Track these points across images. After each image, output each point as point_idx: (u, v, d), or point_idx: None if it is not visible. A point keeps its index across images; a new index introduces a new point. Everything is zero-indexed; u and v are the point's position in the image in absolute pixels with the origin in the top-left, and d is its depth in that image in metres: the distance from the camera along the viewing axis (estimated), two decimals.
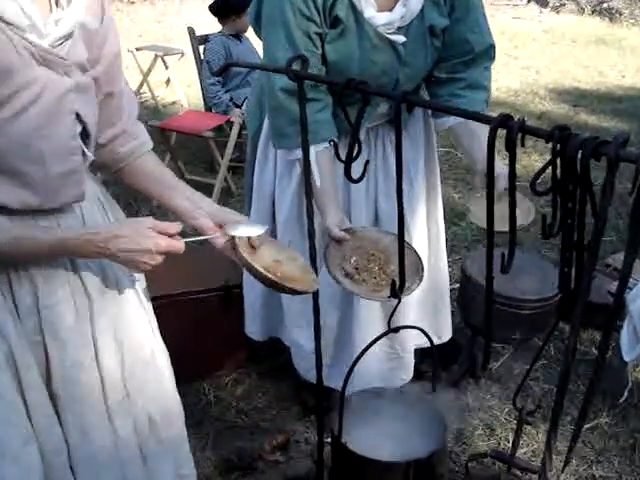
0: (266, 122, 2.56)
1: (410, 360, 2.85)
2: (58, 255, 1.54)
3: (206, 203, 1.77)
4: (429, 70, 2.46)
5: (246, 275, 2.90)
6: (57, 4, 1.44)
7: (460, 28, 2.37)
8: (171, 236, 1.58)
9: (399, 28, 2.29)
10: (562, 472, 2.04)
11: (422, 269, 2.23)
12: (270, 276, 1.60)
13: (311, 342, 2.73)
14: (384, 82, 2.35)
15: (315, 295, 1.95)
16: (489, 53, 2.48)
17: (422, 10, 2.29)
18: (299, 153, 2.32)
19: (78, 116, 1.51)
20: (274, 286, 1.64)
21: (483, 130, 2.02)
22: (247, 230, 1.70)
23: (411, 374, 2.86)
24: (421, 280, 2.20)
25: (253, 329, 2.96)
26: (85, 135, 1.57)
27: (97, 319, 1.66)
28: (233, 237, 1.66)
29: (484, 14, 2.43)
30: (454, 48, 2.41)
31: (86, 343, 1.65)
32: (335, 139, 2.25)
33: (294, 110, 2.18)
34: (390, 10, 2.27)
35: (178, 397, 1.99)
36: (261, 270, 1.60)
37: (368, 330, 2.62)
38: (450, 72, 2.46)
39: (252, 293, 2.88)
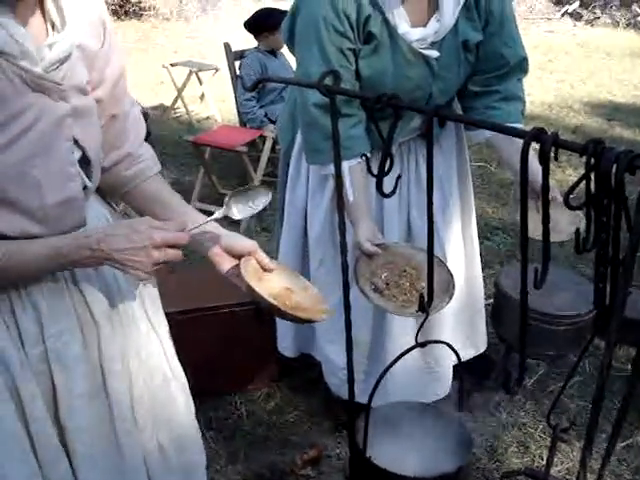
0: (299, 137, 2.57)
1: (445, 375, 2.83)
2: (55, 266, 1.47)
3: (213, 227, 1.72)
4: (462, 84, 2.46)
5: None
6: (53, 28, 1.41)
7: (494, 42, 2.37)
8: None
9: (433, 43, 2.29)
10: None
11: (453, 287, 2.21)
12: (273, 302, 1.55)
13: (342, 357, 2.73)
14: (417, 96, 2.35)
15: (347, 309, 1.95)
16: (522, 66, 2.48)
17: (456, 25, 2.29)
18: (332, 168, 2.33)
19: (76, 142, 1.48)
20: (279, 313, 1.58)
21: (515, 142, 2.16)
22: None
23: (447, 389, 2.83)
24: (451, 298, 2.18)
25: (285, 345, 2.97)
26: (85, 161, 1.52)
27: (105, 346, 1.61)
28: (238, 262, 1.63)
29: (516, 27, 2.43)
30: (488, 62, 2.41)
31: (94, 371, 1.60)
32: (368, 154, 2.27)
33: (327, 125, 2.19)
34: (424, 25, 2.27)
35: (195, 423, 1.96)
36: (264, 296, 1.55)
37: (401, 345, 2.60)
38: (484, 85, 2.46)
39: None
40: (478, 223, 4.92)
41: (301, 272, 2.75)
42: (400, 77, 2.29)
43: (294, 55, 2.41)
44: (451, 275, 2.24)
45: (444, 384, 2.83)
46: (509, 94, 2.47)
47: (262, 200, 1.73)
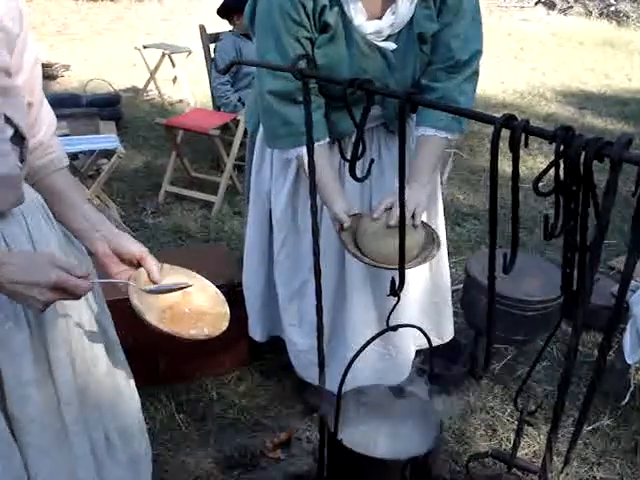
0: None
1: (405, 362, 2.83)
2: None
3: (106, 227, 1.64)
4: (419, 76, 2.42)
5: (245, 277, 2.91)
6: None
7: (445, 33, 2.33)
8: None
9: (389, 35, 2.30)
10: (561, 472, 2.04)
11: (437, 236, 2.35)
12: (163, 328, 1.51)
13: (303, 340, 2.76)
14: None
15: (318, 294, 1.95)
16: (471, 64, 2.40)
17: (412, 17, 2.28)
18: (292, 153, 2.38)
19: (8, 119, 1.43)
20: (172, 337, 1.53)
21: (432, 150, 2.43)
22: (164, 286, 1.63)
23: (405, 375, 2.81)
24: (439, 247, 2.31)
25: (255, 330, 2.97)
26: (19, 139, 1.48)
27: (49, 333, 1.57)
28: (126, 267, 1.60)
29: (478, 25, 2.37)
30: (436, 54, 2.36)
31: (40, 358, 1.56)
32: (327, 139, 2.33)
33: (284, 112, 2.28)
34: (379, 18, 2.27)
35: (140, 414, 1.94)
36: (154, 323, 1.50)
37: (362, 331, 2.63)
38: (431, 80, 2.42)
39: (252, 295, 2.90)
40: (449, 210, 4.99)
41: (268, 255, 2.76)
42: (356, 68, 2.29)
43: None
44: (431, 227, 2.40)
45: (402, 371, 2.83)
46: (448, 96, 2.39)
47: (181, 282, 1.67)
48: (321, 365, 2.07)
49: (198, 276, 1.68)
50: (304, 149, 2.26)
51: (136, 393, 1.93)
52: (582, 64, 10.61)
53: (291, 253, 2.67)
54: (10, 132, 1.45)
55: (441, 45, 2.34)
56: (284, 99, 2.28)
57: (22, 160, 1.51)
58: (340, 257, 2.64)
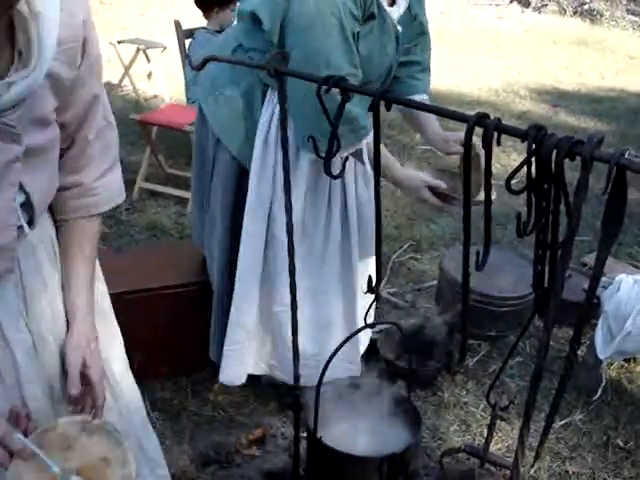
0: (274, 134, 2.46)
1: (355, 358, 2.83)
2: None
3: (82, 331, 1.56)
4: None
5: (235, 309, 2.81)
6: (20, 57, 1.24)
7: (422, 11, 2.56)
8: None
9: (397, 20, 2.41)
10: (532, 466, 2.06)
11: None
12: None
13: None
14: (386, 67, 2.47)
15: (293, 291, 1.96)
16: (429, 35, 2.67)
17: (409, 4, 2.44)
18: (357, 145, 2.37)
19: (21, 186, 1.35)
20: None
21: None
22: None
23: (358, 372, 2.82)
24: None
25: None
26: (28, 205, 1.40)
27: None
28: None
29: None
30: (413, 31, 2.55)
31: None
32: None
33: (350, 110, 2.22)
34: (393, 4, 2.40)
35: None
36: None
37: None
38: (407, 54, 2.60)
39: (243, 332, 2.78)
40: (423, 206, 4.99)
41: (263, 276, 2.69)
42: (382, 54, 2.38)
43: (282, 42, 2.29)
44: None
45: (355, 366, 2.84)
46: (426, 65, 2.69)
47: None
48: (295, 362, 2.08)
49: (125, 447, 1.45)
50: (364, 141, 2.34)
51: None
52: (556, 62, 10.69)
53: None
54: (22, 199, 1.38)
55: (417, 23, 2.55)
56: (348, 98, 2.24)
57: (30, 224, 1.43)
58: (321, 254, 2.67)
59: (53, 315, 1.54)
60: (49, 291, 1.54)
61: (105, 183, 1.60)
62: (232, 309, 2.66)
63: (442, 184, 2.50)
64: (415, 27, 2.55)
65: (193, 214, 3.02)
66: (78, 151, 1.53)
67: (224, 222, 2.65)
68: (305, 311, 2.60)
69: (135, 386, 1.91)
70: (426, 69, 2.70)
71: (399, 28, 2.41)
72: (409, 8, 2.46)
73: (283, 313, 2.60)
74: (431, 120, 2.73)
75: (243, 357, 2.75)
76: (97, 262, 1.72)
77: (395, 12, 2.38)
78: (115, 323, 1.86)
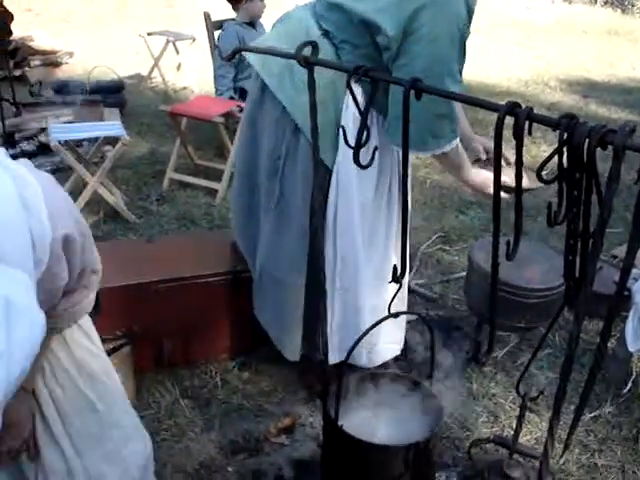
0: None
1: (380, 355, 2.89)
2: None
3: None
4: None
5: None
6: None
7: None
8: None
9: None
10: (562, 457, 2.06)
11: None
12: None
13: None
14: None
15: (323, 277, 1.98)
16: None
17: None
18: (454, 143, 2.48)
19: None
20: None
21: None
22: None
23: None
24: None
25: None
26: None
27: None
28: None
29: None
30: None
31: None
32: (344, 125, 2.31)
33: (451, 109, 2.42)
34: None
35: None
36: None
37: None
38: None
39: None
40: (453, 198, 5.01)
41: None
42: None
43: (399, 47, 2.33)
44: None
45: (399, 345, 2.93)
46: (453, 115, 2.66)
47: None
48: (325, 352, 2.10)
49: None
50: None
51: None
52: (586, 52, 10.59)
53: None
54: None
55: None
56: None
57: None
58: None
59: None
60: None
61: (71, 311, 1.60)
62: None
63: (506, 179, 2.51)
64: None
65: (235, 217, 3.04)
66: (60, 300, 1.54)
67: (303, 217, 2.64)
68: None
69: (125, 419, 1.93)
70: (454, 120, 2.71)
71: None
72: None
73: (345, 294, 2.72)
74: (460, 115, 2.78)
75: None
76: (89, 321, 1.77)
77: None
78: (112, 385, 1.86)
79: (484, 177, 2.67)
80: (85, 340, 1.74)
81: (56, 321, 1.57)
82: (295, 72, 2.47)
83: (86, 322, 1.75)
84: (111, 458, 1.81)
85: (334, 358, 2.74)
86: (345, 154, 2.49)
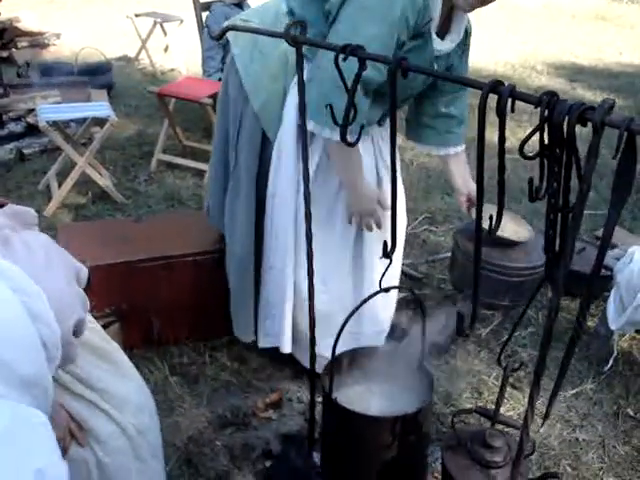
0: (292, 96, 2.52)
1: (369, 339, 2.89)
2: None
3: None
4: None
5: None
6: None
7: (462, 67, 2.69)
8: None
9: (436, 57, 2.47)
10: (542, 426, 2.12)
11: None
12: None
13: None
14: (408, 95, 2.59)
15: (310, 259, 2.02)
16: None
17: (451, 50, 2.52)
18: (332, 134, 2.34)
19: None
20: None
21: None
22: None
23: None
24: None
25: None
26: None
27: None
28: None
29: None
30: (455, 85, 2.58)
31: None
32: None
33: (357, 99, 2.21)
34: (442, 39, 2.46)
35: None
36: None
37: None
38: (447, 106, 2.78)
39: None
40: (439, 180, 5.04)
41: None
42: (412, 78, 2.36)
43: (328, 12, 2.35)
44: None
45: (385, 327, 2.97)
46: (463, 118, 2.85)
47: None
48: (312, 327, 2.13)
49: None
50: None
51: None
52: (574, 37, 10.62)
53: None
54: None
55: (456, 74, 2.61)
56: (365, 87, 2.26)
57: None
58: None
59: None
60: None
61: None
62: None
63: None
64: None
65: (210, 190, 3.05)
66: None
67: (250, 183, 2.70)
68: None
69: (148, 400, 1.98)
70: (462, 121, 2.85)
71: (435, 65, 2.47)
72: (448, 56, 2.54)
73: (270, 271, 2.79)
74: (462, 170, 2.92)
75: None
76: None
77: (439, 45, 2.44)
78: (115, 354, 1.93)
79: (372, 197, 2.59)
80: None
81: None
82: (258, 43, 2.55)
83: None
84: (144, 409, 1.91)
85: (264, 343, 2.89)
86: (287, 128, 2.55)
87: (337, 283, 2.71)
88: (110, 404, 1.78)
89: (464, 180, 2.90)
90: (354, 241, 2.74)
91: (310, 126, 2.33)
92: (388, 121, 2.57)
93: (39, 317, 1.21)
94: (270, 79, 2.55)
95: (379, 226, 2.62)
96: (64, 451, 1.66)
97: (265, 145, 2.64)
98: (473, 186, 2.85)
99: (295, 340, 2.84)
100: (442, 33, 2.46)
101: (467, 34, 2.60)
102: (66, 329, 1.37)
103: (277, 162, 2.61)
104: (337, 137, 2.28)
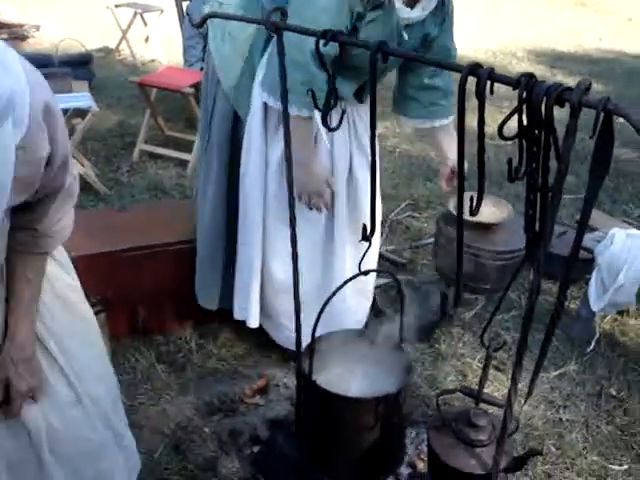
0: (259, 76, 2.57)
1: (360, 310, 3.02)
2: None
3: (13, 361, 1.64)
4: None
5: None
6: None
7: (445, 37, 2.64)
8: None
9: (406, 26, 2.44)
10: (524, 403, 2.15)
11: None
12: None
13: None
14: (381, 66, 2.46)
15: (294, 243, 2.03)
16: (456, 58, 2.74)
17: (425, 18, 2.48)
18: (304, 112, 2.40)
19: None
20: None
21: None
22: None
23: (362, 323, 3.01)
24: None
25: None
26: None
27: None
28: None
29: None
30: (439, 55, 2.59)
31: None
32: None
33: (312, 72, 2.27)
34: (411, 8, 2.42)
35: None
36: None
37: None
38: (431, 77, 2.73)
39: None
40: (420, 166, 5.07)
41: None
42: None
43: None
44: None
45: (359, 319, 3.00)
46: (448, 90, 2.78)
47: None
48: (297, 312, 2.15)
49: None
50: (309, 113, 2.38)
51: None
52: (554, 24, 10.66)
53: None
54: None
55: (443, 47, 2.63)
56: (321, 65, 2.26)
57: None
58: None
59: None
60: None
61: (61, 226, 1.65)
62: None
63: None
64: (440, 52, 2.61)
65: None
66: (43, 206, 1.57)
67: (221, 161, 2.79)
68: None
69: (107, 369, 1.97)
70: (448, 94, 2.78)
71: (404, 35, 2.45)
72: (423, 24, 2.50)
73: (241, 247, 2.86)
74: (448, 142, 2.84)
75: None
76: (64, 253, 1.81)
77: (404, 13, 2.40)
78: (88, 314, 1.91)
79: (322, 178, 2.60)
80: (64, 274, 1.79)
81: (50, 241, 1.64)
82: (227, 26, 2.62)
83: (62, 254, 1.80)
84: (102, 379, 1.90)
85: (238, 315, 2.94)
86: (255, 107, 2.60)
87: (308, 266, 2.71)
88: (73, 371, 1.76)
89: (451, 152, 2.84)
90: (325, 226, 2.79)
91: (270, 102, 2.47)
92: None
93: (11, 71, 1.25)
94: (239, 60, 2.60)
95: (327, 207, 2.65)
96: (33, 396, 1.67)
97: (238, 127, 2.71)
98: (455, 157, 2.82)
99: (265, 314, 2.92)
100: (412, 1, 2.43)
101: (444, 1, 2.55)
102: (37, 103, 1.35)
103: (248, 143, 2.67)
104: (295, 112, 2.37)
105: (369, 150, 2.33)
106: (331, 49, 2.19)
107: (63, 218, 1.64)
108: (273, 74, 2.35)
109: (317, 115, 2.36)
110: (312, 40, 2.12)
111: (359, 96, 2.65)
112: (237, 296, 2.92)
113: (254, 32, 2.49)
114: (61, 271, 1.77)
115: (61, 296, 1.76)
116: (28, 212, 1.55)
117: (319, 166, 2.60)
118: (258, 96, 2.57)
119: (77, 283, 1.85)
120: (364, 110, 2.70)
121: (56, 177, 1.51)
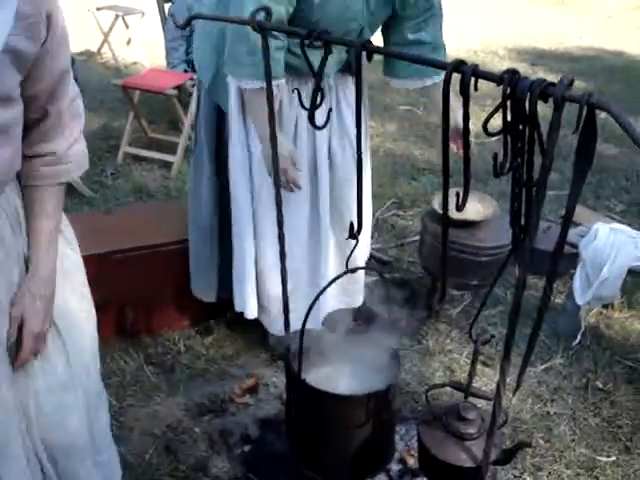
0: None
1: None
2: None
3: (31, 294, 1.62)
4: (384, 21, 2.60)
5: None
6: None
7: None
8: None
9: None
10: (513, 396, 2.17)
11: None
12: None
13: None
14: (351, 28, 2.45)
15: (281, 239, 2.03)
16: (441, 9, 2.65)
17: None
18: (249, 84, 2.39)
19: None
20: None
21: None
22: None
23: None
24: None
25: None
26: None
27: None
28: None
29: None
30: (418, 7, 2.54)
31: None
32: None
33: (254, 40, 2.20)
34: None
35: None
36: None
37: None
38: (415, 32, 2.60)
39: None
40: (405, 165, 5.09)
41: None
42: (343, 5, 2.36)
43: None
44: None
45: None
46: (437, 44, 2.66)
47: None
48: (286, 311, 2.16)
49: None
50: (258, 84, 2.34)
51: None
52: (535, 22, 10.70)
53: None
54: None
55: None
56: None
57: None
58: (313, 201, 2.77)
59: (8, 283, 1.59)
60: (10, 260, 1.59)
61: (76, 151, 1.66)
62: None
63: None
64: (419, 2, 2.53)
65: None
66: (52, 122, 1.58)
67: (210, 157, 2.83)
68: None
69: (96, 365, 1.93)
70: (438, 48, 2.66)
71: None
72: None
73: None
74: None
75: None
76: (69, 228, 1.82)
77: None
78: (84, 290, 1.91)
79: (284, 155, 2.48)
80: (69, 250, 1.80)
81: (69, 168, 1.65)
82: (206, 23, 2.62)
83: (68, 229, 1.82)
84: (91, 372, 1.86)
85: (238, 307, 2.96)
86: (232, 100, 2.61)
87: (294, 261, 2.72)
88: (73, 352, 1.76)
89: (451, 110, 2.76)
90: (309, 220, 2.81)
91: (230, 80, 2.50)
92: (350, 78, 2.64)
93: None
94: (215, 55, 2.61)
95: (297, 185, 2.57)
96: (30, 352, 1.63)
97: (224, 123, 2.74)
98: (460, 119, 2.73)
99: (260, 305, 2.94)
100: None
101: None
102: (40, 12, 1.38)
103: (231, 134, 2.70)
104: (246, 84, 2.38)
105: (351, 131, 2.33)
106: (278, 10, 2.19)
107: (76, 143, 1.65)
108: (227, 51, 2.40)
109: (276, 90, 2.34)
110: (250, 9, 2.07)
111: (347, 69, 2.67)
112: (236, 288, 2.93)
113: (224, 27, 2.46)
114: (67, 247, 1.78)
115: (68, 276, 1.76)
116: (42, 133, 1.57)
117: (280, 143, 2.55)
118: (231, 84, 2.57)
119: (81, 261, 1.87)
120: (349, 89, 2.72)
121: (57, 61, 1.52)
